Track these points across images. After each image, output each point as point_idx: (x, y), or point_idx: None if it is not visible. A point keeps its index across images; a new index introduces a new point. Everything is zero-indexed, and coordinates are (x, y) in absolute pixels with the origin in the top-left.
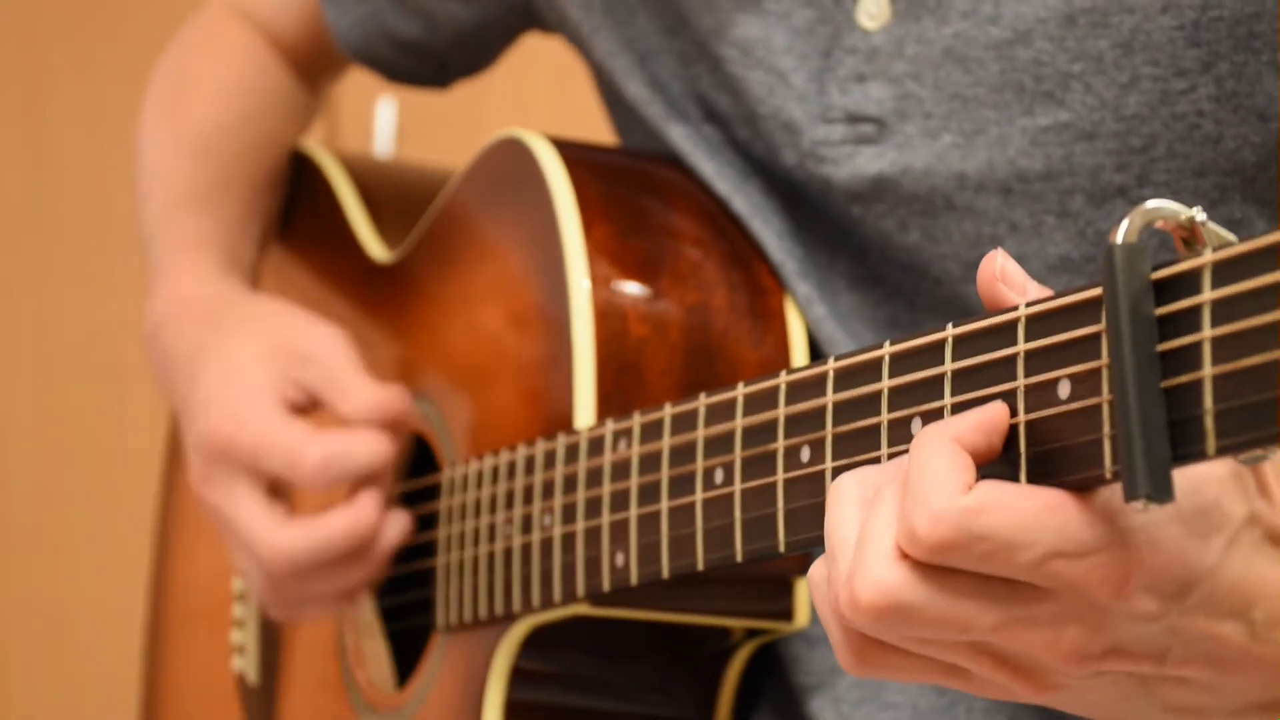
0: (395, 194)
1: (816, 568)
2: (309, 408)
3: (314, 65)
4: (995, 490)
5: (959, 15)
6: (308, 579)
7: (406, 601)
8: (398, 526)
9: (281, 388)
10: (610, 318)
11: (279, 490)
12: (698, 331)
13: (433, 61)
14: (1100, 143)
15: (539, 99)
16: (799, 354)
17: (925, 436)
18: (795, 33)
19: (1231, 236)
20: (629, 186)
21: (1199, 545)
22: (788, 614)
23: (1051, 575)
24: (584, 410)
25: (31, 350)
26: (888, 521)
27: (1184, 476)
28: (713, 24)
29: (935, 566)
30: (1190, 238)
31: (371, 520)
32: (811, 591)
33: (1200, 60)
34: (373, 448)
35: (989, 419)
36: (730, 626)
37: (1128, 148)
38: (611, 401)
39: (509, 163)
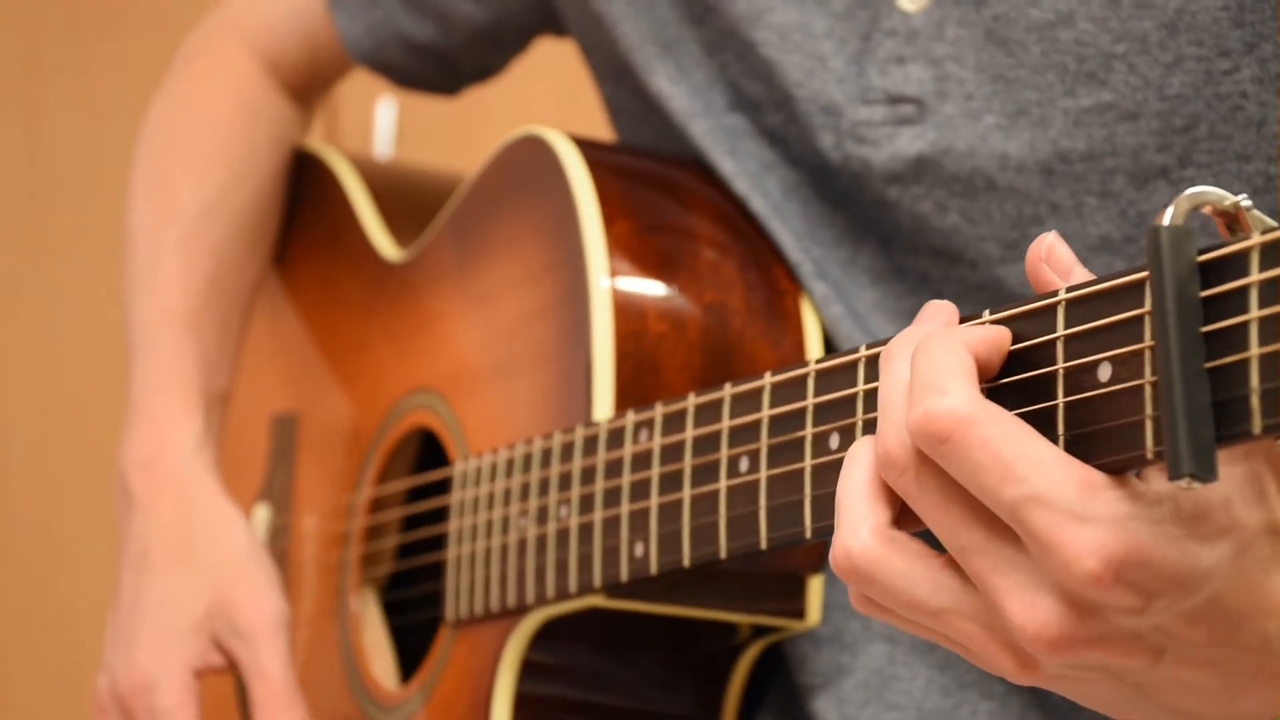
0: (405, 196)
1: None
2: (225, 671)
3: (311, 83)
4: (1014, 418)
5: None
6: None
7: (412, 596)
8: None
9: (205, 658)
10: (629, 314)
11: None
12: (715, 329)
13: (445, 65)
14: (1143, 123)
15: (540, 100)
16: (815, 354)
17: (936, 335)
18: (834, 17)
19: (1276, 225)
20: (649, 185)
21: (1197, 547)
22: (800, 612)
23: (1030, 523)
24: (602, 404)
25: (31, 350)
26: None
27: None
28: (747, 10)
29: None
30: (1234, 224)
31: None
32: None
33: (1244, 41)
34: None
35: (993, 335)
36: (742, 623)
37: (1170, 128)
38: (629, 396)
39: (529, 160)
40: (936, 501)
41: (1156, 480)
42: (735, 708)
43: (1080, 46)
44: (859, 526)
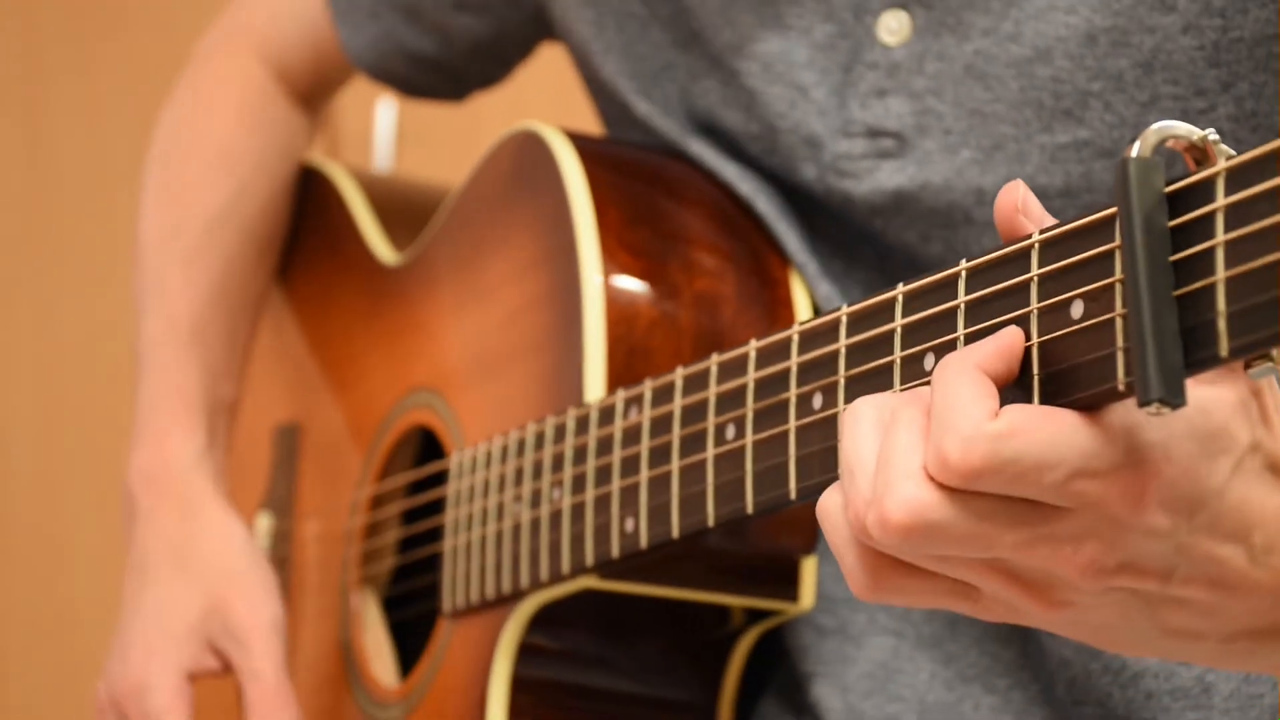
0: (404, 208)
1: (829, 495)
2: (220, 673)
3: (319, 88)
4: (1021, 414)
5: (980, 33)
6: None
7: (411, 589)
8: None
9: (199, 662)
10: (621, 303)
11: None
12: (706, 318)
13: (449, 76)
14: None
15: (538, 103)
16: None
17: (948, 365)
18: (816, 48)
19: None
20: (641, 177)
21: (1209, 465)
22: (793, 595)
23: (1075, 494)
24: (594, 392)
25: (31, 350)
26: (910, 444)
27: (1194, 398)
28: (731, 38)
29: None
30: (1202, 158)
31: None
32: (823, 520)
33: (1220, 80)
34: None
35: (1006, 344)
36: (736, 606)
37: None
38: (621, 384)
39: (523, 154)
40: (977, 510)
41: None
42: (733, 692)
43: (1057, 84)
44: (905, 480)
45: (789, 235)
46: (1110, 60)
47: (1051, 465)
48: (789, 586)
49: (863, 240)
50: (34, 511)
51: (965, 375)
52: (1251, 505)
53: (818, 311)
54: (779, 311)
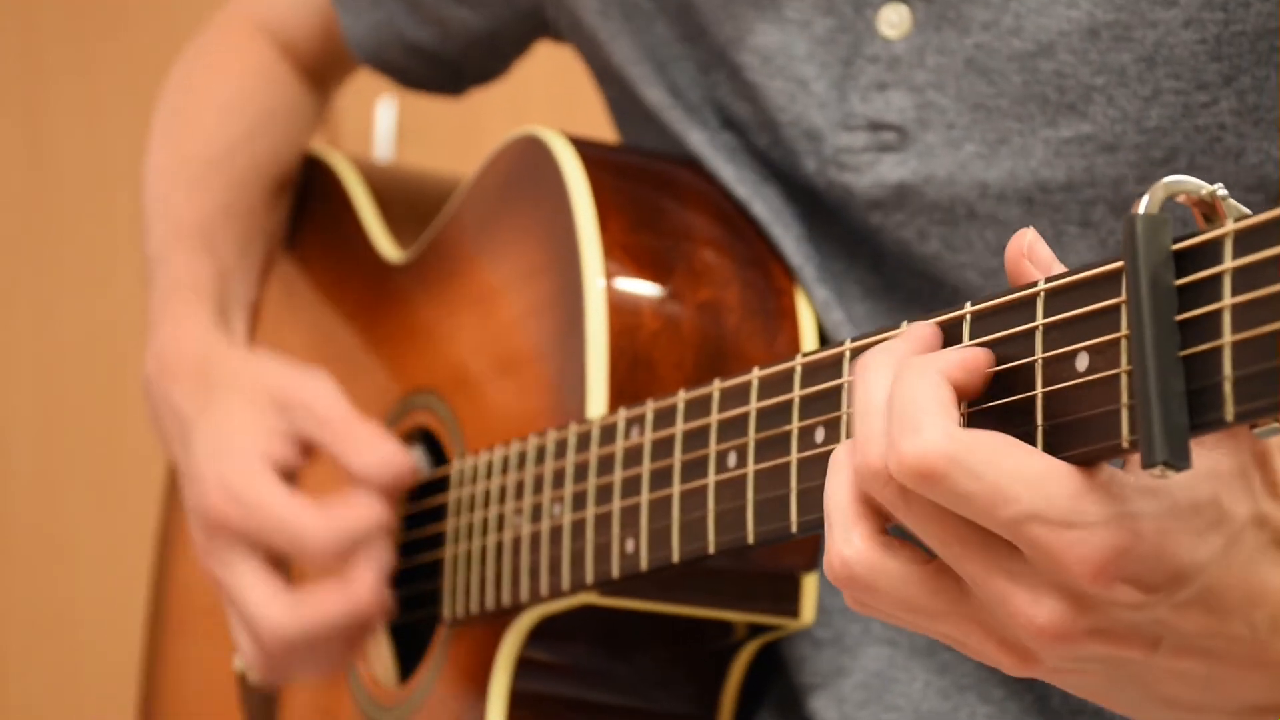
0: (406, 198)
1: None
2: (302, 458)
3: (326, 69)
4: (993, 437)
5: (980, 26)
6: (300, 654)
7: (412, 594)
8: (388, 599)
9: (272, 450)
10: (624, 311)
11: (278, 559)
12: (710, 328)
13: (446, 68)
14: (1122, 154)
15: (539, 101)
16: None
17: (912, 366)
18: (816, 41)
19: (1251, 213)
20: (645, 184)
21: (1191, 540)
22: (794, 611)
23: (1029, 539)
24: (596, 402)
25: (31, 350)
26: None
27: (1180, 475)
28: (733, 32)
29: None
30: (1211, 213)
31: (367, 599)
32: (831, 477)
33: (1222, 74)
34: (375, 517)
35: (971, 357)
36: (736, 621)
37: (1149, 160)
38: (624, 394)
39: (526, 159)
40: (925, 514)
41: (1148, 477)
42: (732, 706)
43: (1060, 78)
44: (850, 534)
45: (785, 237)
46: (1112, 54)
47: (1008, 498)
48: (790, 603)
49: (861, 239)
50: (34, 511)
51: (928, 378)
52: (1254, 582)
53: (822, 330)
54: (783, 321)
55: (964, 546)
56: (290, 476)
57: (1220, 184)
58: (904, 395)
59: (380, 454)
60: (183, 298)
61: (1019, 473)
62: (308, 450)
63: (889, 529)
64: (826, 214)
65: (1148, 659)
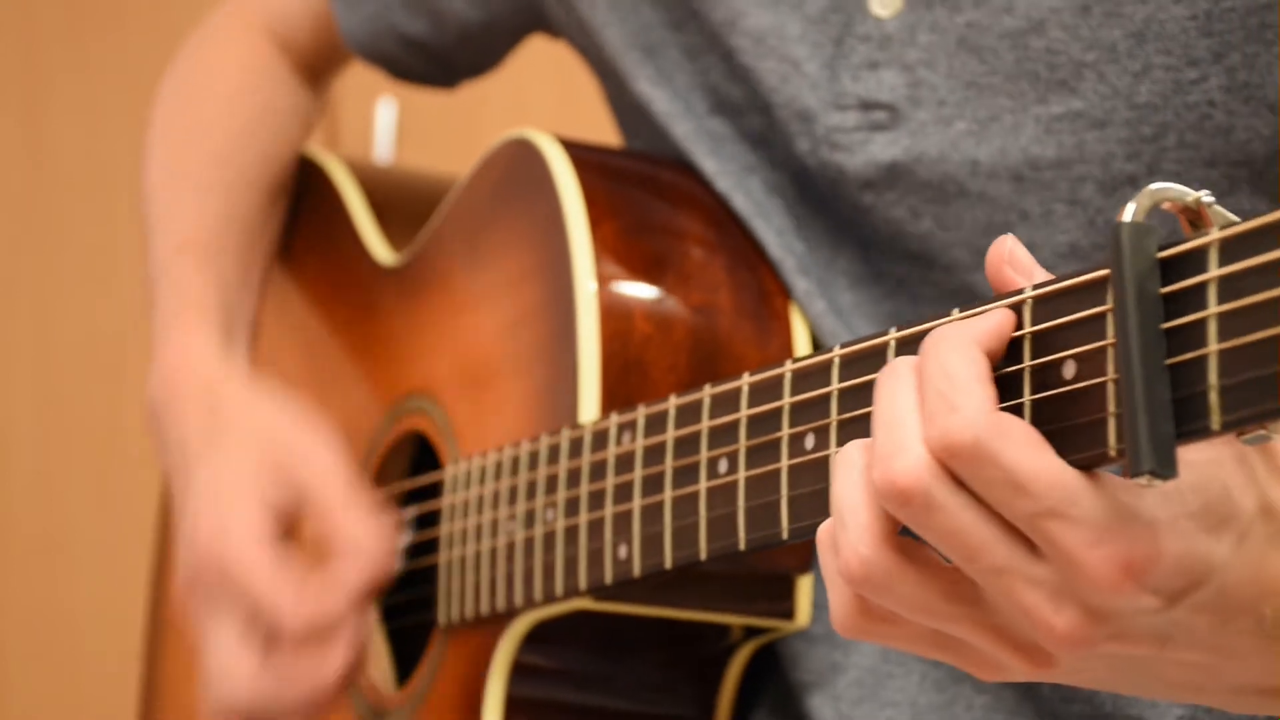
0: (400, 200)
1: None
2: (295, 515)
3: (321, 64)
4: (1028, 430)
5: (971, 4)
6: (257, 715)
7: (407, 599)
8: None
9: (266, 521)
10: (615, 315)
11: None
12: (702, 331)
13: (439, 60)
14: (1112, 131)
15: (539, 100)
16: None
17: (946, 337)
18: (808, 21)
19: (1237, 219)
20: (636, 186)
21: (1208, 541)
22: (789, 613)
23: (1047, 535)
24: (588, 407)
25: (31, 350)
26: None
27: (1189, 471)
28: (725, 15)
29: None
30: (1197, 220)
31: (333, 681)
32: (835, 472)
33: (1212, 50)
34: (354, 601)
35: (999, 323)
36: (731, 624)
37: (1139, 136)
38: (616, 398)
39: (517, 162)
40: (949, 516)
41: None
42: (729, 708)
43: (1051, 55)
44: (866, 533)
45: (766, 230)
46: (1103, 30)
47: (1031, 493)
48: (785, 605)
49: (851, 223)
50: (34, 511)
51: (968, 351)
52: (1262, 576)
53: (815, 337)
54: (775, 324)
55: (985, 552)
56: (286, 527)
57: (1206, 191)
58: (940, 368)
59: (370, 545)
60: (189, 318)
61: (1043, 471)
62: (301, 511)
63: (900, 529)
64: (817, 198)
65: (1157, 654)
